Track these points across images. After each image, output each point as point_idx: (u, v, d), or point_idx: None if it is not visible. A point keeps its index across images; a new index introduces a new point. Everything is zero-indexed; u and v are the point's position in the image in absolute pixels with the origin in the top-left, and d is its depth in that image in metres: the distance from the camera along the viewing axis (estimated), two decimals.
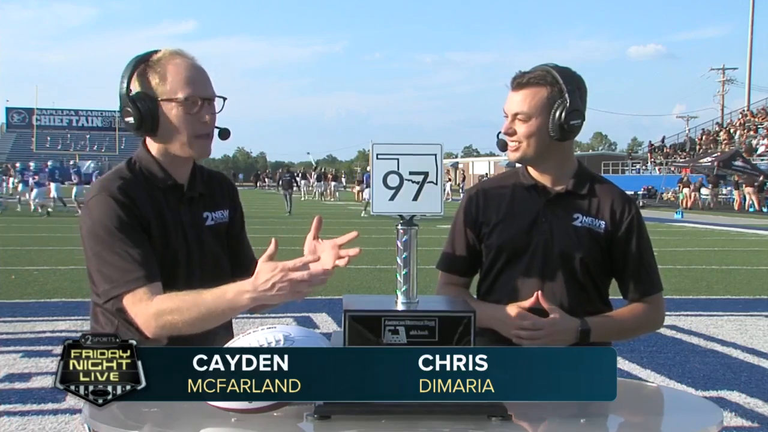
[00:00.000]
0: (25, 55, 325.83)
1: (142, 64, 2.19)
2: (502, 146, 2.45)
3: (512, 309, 2.32)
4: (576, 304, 2.36)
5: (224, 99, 2.25)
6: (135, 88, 2.19)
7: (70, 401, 4.84)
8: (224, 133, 2.27)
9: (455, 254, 2.54)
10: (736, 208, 35.13)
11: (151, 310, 2.03)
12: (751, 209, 33.79)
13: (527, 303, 2.32)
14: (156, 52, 2.22)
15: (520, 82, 2.36)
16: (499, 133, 2.45)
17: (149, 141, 2.26)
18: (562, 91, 2.33)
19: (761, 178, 34.89)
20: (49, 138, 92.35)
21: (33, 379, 5.52)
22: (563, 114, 2.32)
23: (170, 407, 1.82)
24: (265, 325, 1.82)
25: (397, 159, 1.86)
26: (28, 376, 5.60)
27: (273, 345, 1.72)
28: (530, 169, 2.47)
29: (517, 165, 2.52)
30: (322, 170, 56.72)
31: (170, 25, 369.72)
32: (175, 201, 2.26)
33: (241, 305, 1.97)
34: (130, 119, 2.17)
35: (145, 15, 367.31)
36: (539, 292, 2.32)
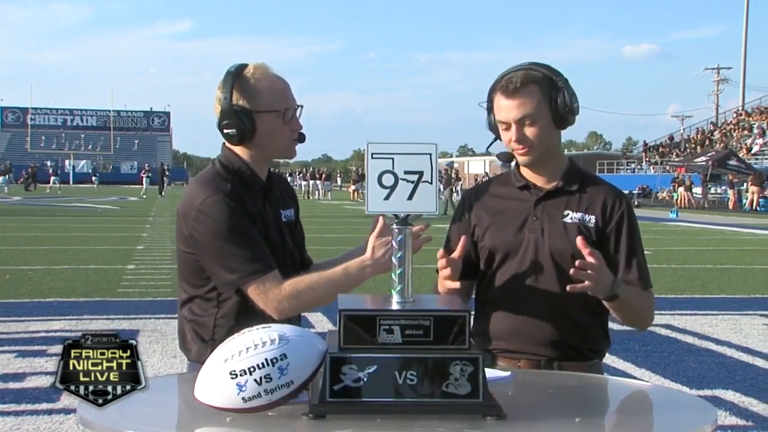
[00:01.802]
0: (20, 55, 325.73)
1: (237, 80, 2.35)
2: (508, 158, 2.44)
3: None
4: (570, 301, 2.34)
5: (302, 106, 2.46)
6: (234, 101, 2.35)
7: (65, 401, 4.83)
8: (301, 137, 2.47)
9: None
10: (731, 207, 35.18)
11: (286, 291, 2.26)
12: (746, 209, 33.85)
13: (456, 253, 2.29)
14: (246, 66, 2.39)
15: (516, 86, 2.33)
16: (490, 145, 2.47)
17: (234, 146, 2.42)
18: (553, 81, 2.33)
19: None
20: (43, 137, 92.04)
21: (27, 378, 5.51)
22: (567, 99, 2.32)
23: (165, 407, 1.82)
24: (260, 325, 1.82)
25: (392, 158, 1.86)
26: (23, 375, 5.58)
27: (268, 344, 1.73)
28: (522, 170, 2.47)
29: (514, 164, 2.52)
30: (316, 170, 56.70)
31: (166, 25, 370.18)
32: (261, 199, 2.43)
33: (364, 277, 2.28)
34: (232, 131, 2.36)
35: (141, 15, 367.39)
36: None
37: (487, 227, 2.46)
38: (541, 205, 2.42)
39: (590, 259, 2.17)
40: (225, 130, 2.37)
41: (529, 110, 2.33)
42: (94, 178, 62.53)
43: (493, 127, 2.45)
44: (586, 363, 2.41)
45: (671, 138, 58.29)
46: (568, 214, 2.39)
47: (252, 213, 2.34)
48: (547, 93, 2.33)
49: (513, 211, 2.44)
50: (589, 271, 2.17)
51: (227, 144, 2.43)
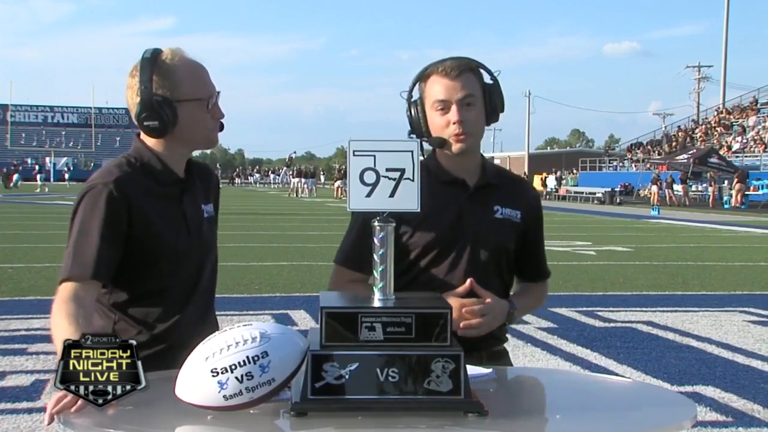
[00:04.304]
0: (0, 51, 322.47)
1: (155, 68, 2.23)
2: (440, 143, 2.39)
3: (449, 299, 2.26)
4: (501, 293, 2.43)
5: (219, 92, 2.34)
6: (155, 90, 2.22)
7: (45, 400, 4.79)
8: (220, 126, 2.36)
9: (358, 249, 2.40)
10: (710, 204, 35.41)
11: (55, 304, 2.09)
12: (726, 206, 34.08)
13: (461, 289, 2.31)
14: (161, 52, 2.27)
15: (459, 69, 2.35)
16: (409, 133, 2.43)
17: (148, 137, 2.30)
18: (484, 75, 2.40)
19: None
20: (24, 134, 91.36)
21: (7, 377, 5.45)
22: (499, 96, 2.40)
23: (146, 406, 1.81)
24: (242, 322, 1.82)
25: (374, 156, 1.85)
26: (2, 374, 5.53)
27: (249, 342, 1.72)
28: (444, 164, 2.44)
29: (429, 156, 2.50)
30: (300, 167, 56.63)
31: (148, 21, 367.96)
32: (177, 194, 2.33)
33: None
34: (153, 123, 2.24)
35: (123, 11, 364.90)
36: (471, 279, 2.31)
37: (419, 223, 2.38)
38: (472, 201, 2.43)
39: (487, 300, 2.29)
40: (146, 123, 2.24)
41: (471, 91, 2.36)
42: (66, 175, 61.47)
43: (416, 118, 2.41)
44: (503, 347, 2.51)
45: (667, 134, 58.08)
46: (497, 210, 2.44)
47: (137, 212, 2.22)
48: (481, 84, 2.39)
49: (444, 207, 2.41)
50: (478, 319, 2.26)
51: (142, 136, 2.32)
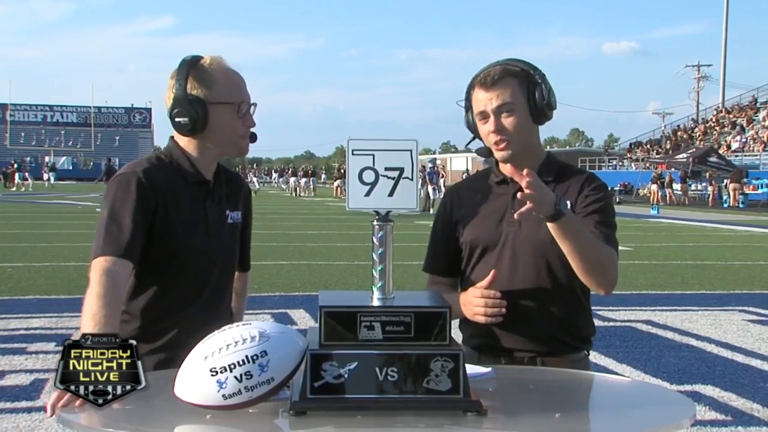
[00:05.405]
0: (0, 51, 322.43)
1: (192, 69, 2.31)
2: (487, 152, 2.43)
3: (472, 291, 2.33)
4: (552, 290, 2.37)
5: (255, 104, 2.40)
6: (189, 90, 2.30)
7: (45, 399, 4.79)
8: (253, 136, 2.41)
9: (437, 255, 2.57)
10: (710, 203, 35.40)
11: (91, 278, 2.14)
12: (725, 205, 34.07)
13: (485, 282, 2.31)
14: (201, 58, 2.35)
15: (494, 79, 2.35)
16: (468, 143, 2.50)
17: (181, 138, 2.38)
18: (531, 76, 2.36)
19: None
20: (23, 134, 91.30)
21: (7, 377, 5.46)
22: (544, 93, 2.35)
23: (145, 405, 1.81)
24: (241, 322, 1.82)
25: (373, 155, 1.85)
26: (2, 374, 5.54)
27: (248, 341, 1.72)
28: (501, 165, 2.47)
29: (492, 162, 2.52)
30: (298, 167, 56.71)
31: (148, 21, 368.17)
32: (202, 196, 2.39)
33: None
34: (184, 120, 2.31)
35: (122, 10, 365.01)
36: (494, 271, 2.31)
37: (467, 223, 2.47)
38: (519, 199, 2.41)
39: (527, 178, 2.10)
40: (176, 119, 2.31)
41: (507, 99, 2.34)
42: (51, 174, 60.64)
43: (471, 125, 2.46)
44: (571, 356, 2.42)
45: (675, 133, 57.68)
46: None
47: (162, 202, 2.29)
48: (524, 86, 2.36)
49: (491, 205, 2.46)
50: (528, 191, 2.10)
51: (175, 136, 2.39)
